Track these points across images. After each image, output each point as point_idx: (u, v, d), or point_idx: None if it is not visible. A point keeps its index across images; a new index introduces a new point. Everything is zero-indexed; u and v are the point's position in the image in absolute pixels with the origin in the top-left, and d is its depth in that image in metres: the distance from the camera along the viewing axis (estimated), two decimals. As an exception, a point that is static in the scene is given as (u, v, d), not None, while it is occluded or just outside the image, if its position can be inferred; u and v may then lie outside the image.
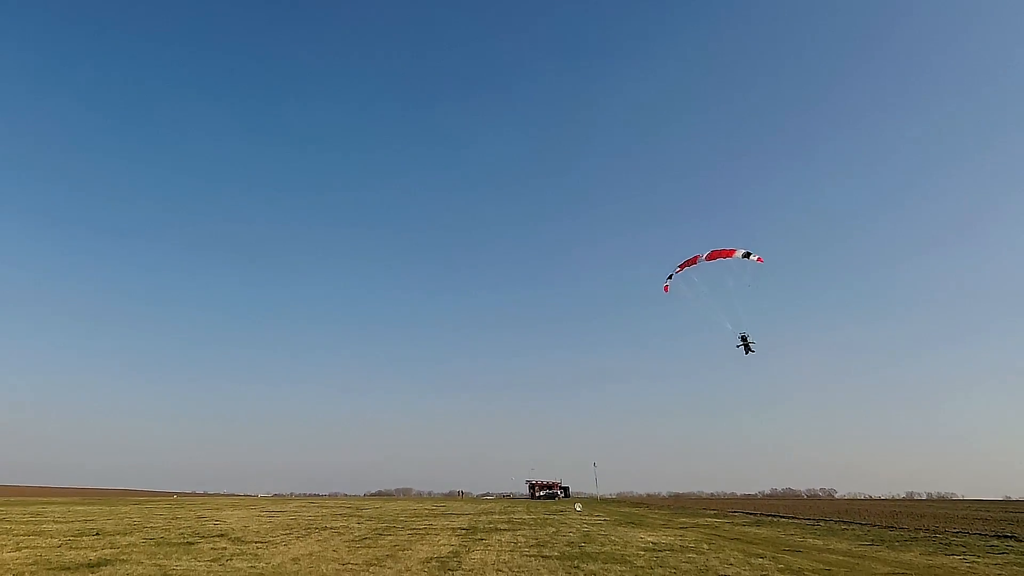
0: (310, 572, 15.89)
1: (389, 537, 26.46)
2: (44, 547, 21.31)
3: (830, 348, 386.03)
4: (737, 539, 27.60)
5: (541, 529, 32.73)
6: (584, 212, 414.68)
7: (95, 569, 16.04)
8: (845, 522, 42.03)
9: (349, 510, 56.68)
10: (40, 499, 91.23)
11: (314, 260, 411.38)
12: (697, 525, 38.37)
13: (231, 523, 35.28)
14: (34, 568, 16.12)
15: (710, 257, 29.12)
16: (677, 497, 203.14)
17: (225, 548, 21.41)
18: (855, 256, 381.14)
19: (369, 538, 26.01)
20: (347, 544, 23.38)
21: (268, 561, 17.99)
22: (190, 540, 24.21)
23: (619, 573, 16.23)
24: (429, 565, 17.54)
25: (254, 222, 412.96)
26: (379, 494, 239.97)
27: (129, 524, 33.97)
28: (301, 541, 24.34)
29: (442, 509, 62.62)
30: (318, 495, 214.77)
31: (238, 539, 24.95)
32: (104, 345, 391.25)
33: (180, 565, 17.00)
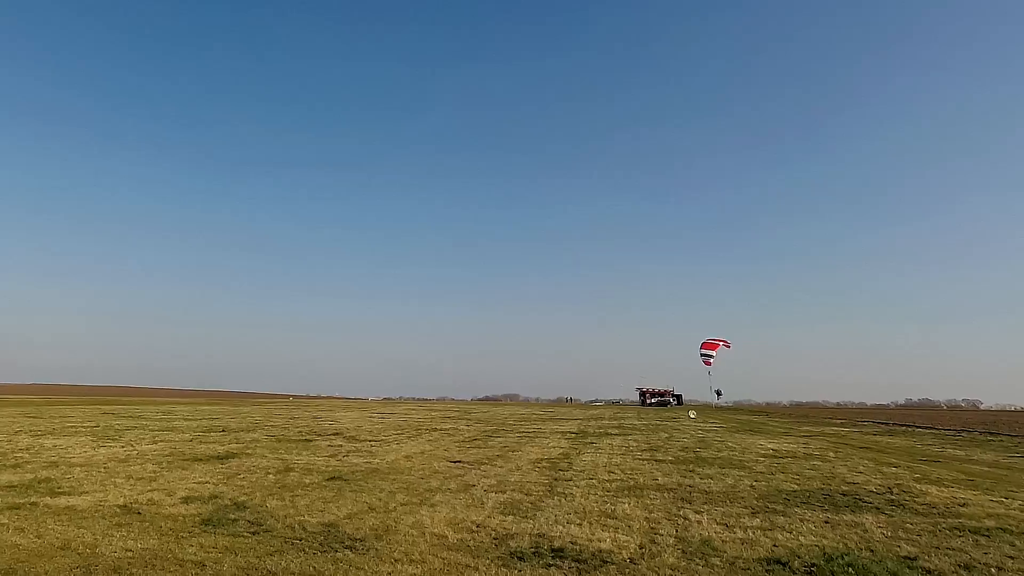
0: (423, 468, 17.15)
1: (498, 439, 27.94)
2: (177, 441, 24.23)
3: (975, 245, 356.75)
4: (867, 448, 26.97)
5: (653, 434, 33.40)
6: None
7: (224, 460, 18.09)
8: (992, 432, 39.99)
9: (457, 413, 60.19)
10: (169, 400, 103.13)
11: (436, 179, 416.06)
12: (822, 433, 37.77)
13: (344, 423, 38.50)
14: (170, 458, 18.40)
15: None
16: (799, 406, 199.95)
17: (341, 445, 23.45)
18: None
19: (478, 439, 27.59)
20: (457, 444, 24.94)
21: (382, 458, 19.55)
22: (308, 438, 26.69)
23: (737, 478, 16.37)
24: (539, 466, 18.43)
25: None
26: (486, 399, 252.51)
27: (251, 422, 37.87)
28: (412, 441, 26.21)
29: (550, 414, 65.14)
30: (426, 399, 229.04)
31: (352, 437, 27.23)
32: (239, 261, 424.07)
33: (300, 459, 18.84)
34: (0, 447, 21.03)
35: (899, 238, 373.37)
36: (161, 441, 23.91)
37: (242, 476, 15.16)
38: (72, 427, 30.77)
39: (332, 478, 15.04)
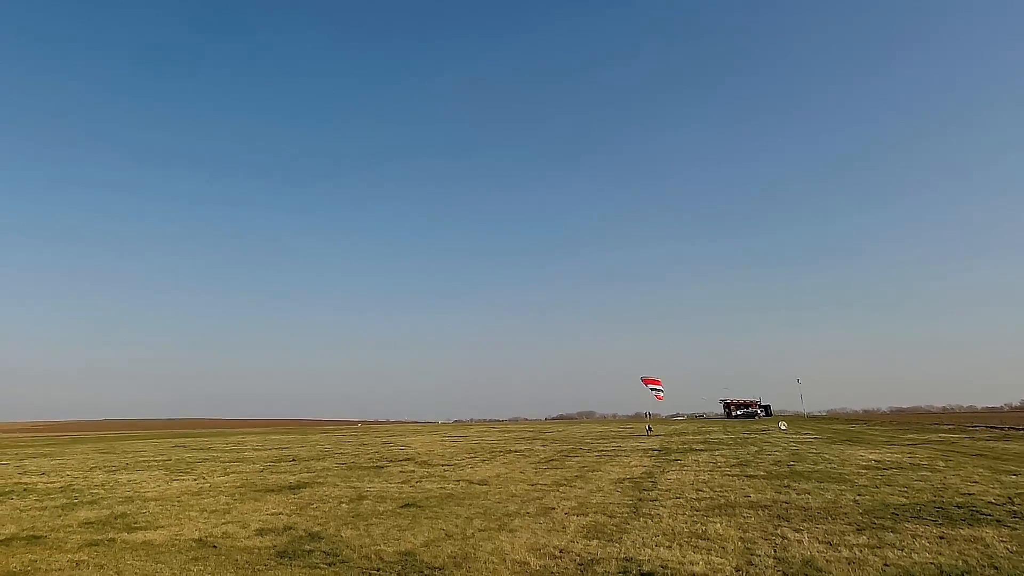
0: (499, 492, 17.15)
1: (576, 459, 27.75)
2: (248, 472, 25.01)
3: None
4: (980, 455, 25.49)
5: (742, 448, 32.52)
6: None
7: (296, 491, 18.56)
8: None
9: (531, 434, 60.18)
10: (237, 430, 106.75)
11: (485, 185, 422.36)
12: (929, 441, 35.96)
13: (416, 448, 39.01)
14: (242, 490, 18.99)
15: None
16: (900, 412, 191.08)
17: (413, 471, 23.73)
18: None
19: (555, 460, 27.46)
20: (533, 466, 24.88)
21: (456, 482, 19.63)
22: (379, 464, 27.14)
23: (837, 493, 15.72)
24: (622, 485, 18.17)
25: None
26: (560, 418, 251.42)
27: (321, 450, 38.80)
28: (487, 464, 26.30)
29: (630, 430, 64.34)
30: (498, 420, 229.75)
31: (424, 462, 27.54)
32: (303, 289, 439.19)
33: (373, 486, 19.15)
34: (76, 483, 22.18)
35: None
36: (232, 473, 24.73)
37: (315, 506, 15.51)
38: (145, 461, 32.22)
39: (406, 505, 15.21)
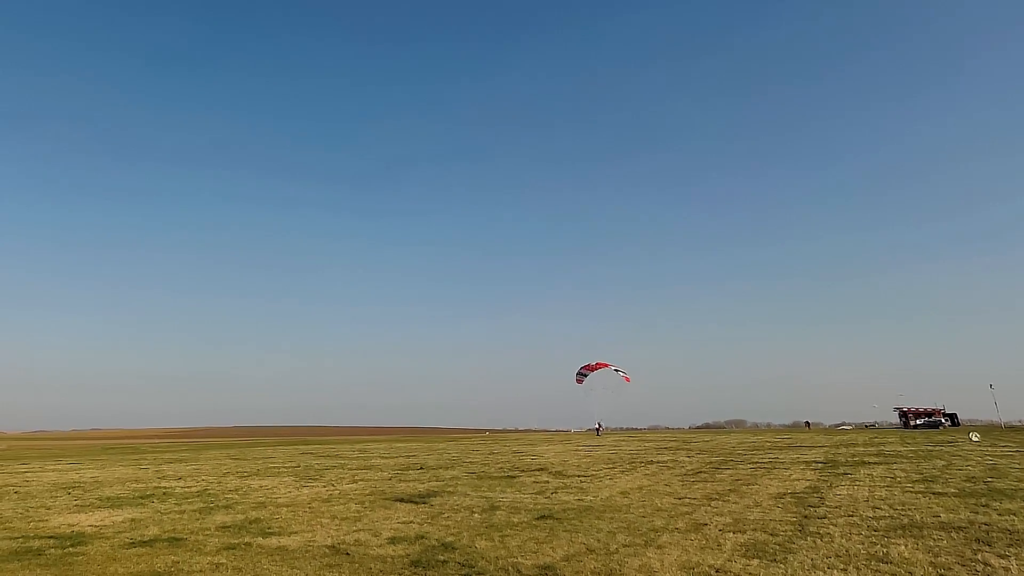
0: (643, 505, 16.99)
1: (728, 471, 26.99)
2: (377, 480, 26.13)
3: None
4: None
5: (925, 462, 30.42)
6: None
7: (426, 499, 19.20)
8: None
9: (675, 443, 59.06)
10: (362, 437, 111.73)
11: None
12: None
13: (549, 457, 39.29)
14: (372, 498, 19.88)
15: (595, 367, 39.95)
16: None
17: (547, 482, 23.93)
18: None
19: (704, 472, 26.84)
20: (679, 478, 24.44)
21: (595, 494, 19.66)
22: (511, 474, 27.56)
23: (1061, 515, 14.40)
24: (783, 501, 17.50)
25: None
26: (706, 427, 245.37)
27: (449, 459, 39.91)
28: (627, 475, 26.10)
29: (787, 441, 61.81)
30: (636, 428, 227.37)
31: (559, 473, 27.70)
32: (425, 294, 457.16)
33: (505, 497, 19.49)
34: (212, 488, 24.04)
35: None
36: (361, 480, 25.93)
37: (446, 515, 15.98)
38: (275, 468, 34.41)
39: (542, 517, 15.37)
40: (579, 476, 25.88)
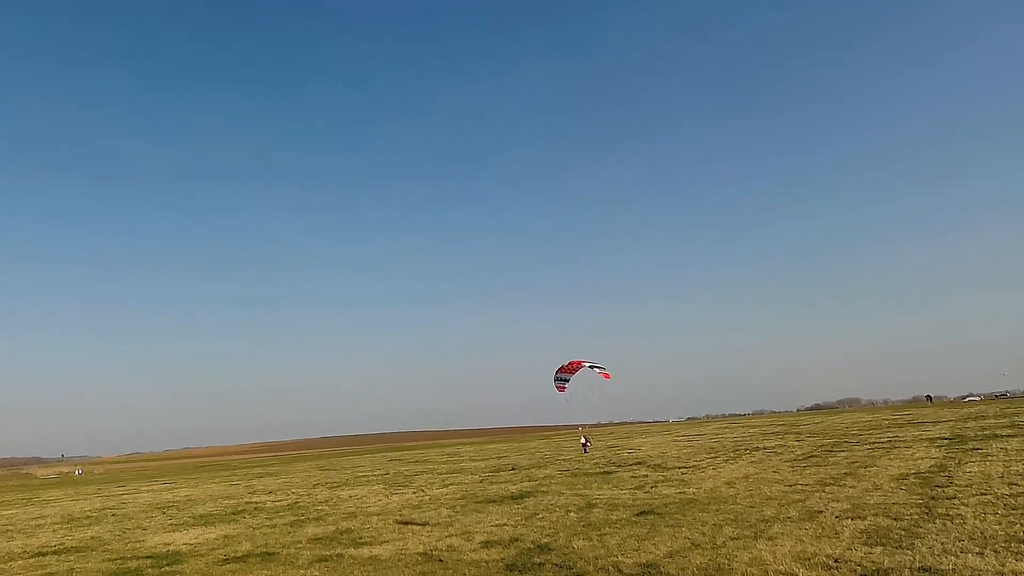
0: (750, 495, 16.59)
1: (842, 453, 26.15)
2: (468, 483, 26.40)
3: None
4: None
5: (1072, 432, 28.79)
6: None
7: (519, 500, 19.26)
8: None
9: (782, 427, 57.68)
10: (451, 440, 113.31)
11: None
12: None
13: (646, 450, 38.95)
14: (463, 502, 20.08)
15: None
16: None
17: (646, 475, 23.69)
18: None
19: (816, 456, 26.08)
20: (789, 464, 23.80)
21: (698, 486, 19.32)
22: (607, 470, 27.41)
23: None
24: (906, 482, 16.79)
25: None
26: (815, 408, 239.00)
27: (541, 458, 40.03)
28: (731, 464, 25.60)
29: (907, 417, 59.53)
30: (738, 415, 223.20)
31: (658, 466, 27.39)
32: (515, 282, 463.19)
33: (603, 493, 19.37)
34: (302, 501, 24.76)
35: None
36: (451, 484, 26.26)
37: (541, 516, 15.99)
38: (364, 476, 35.23)
39: (642, 512, 15.19)
40: (680, 468, 25.53)
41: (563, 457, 38.62)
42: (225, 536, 17.18)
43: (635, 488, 20.18)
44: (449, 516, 17.20)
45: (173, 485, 45.16)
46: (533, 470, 30.28)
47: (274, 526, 18.31)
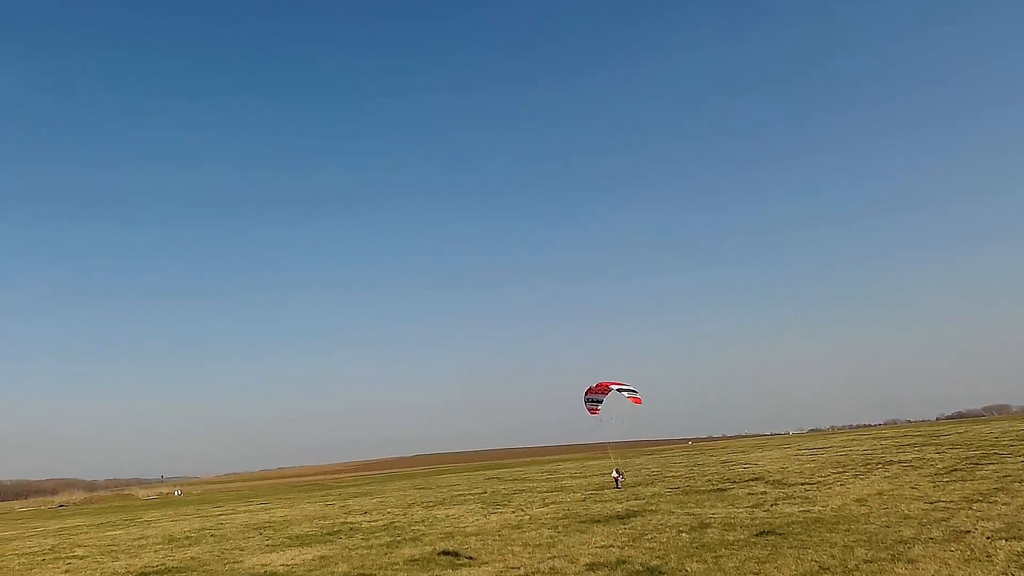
0: (885, 514, 15.89)
1: (991, 466, 24.80)
2: (569, 501, 26.28)
3: None
4: None
5: None
6: None
7: (625, 520, 19.01)
8: None
9: (920, 438, 55.21)
10: (550, 457, 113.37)
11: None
12: None
13: (764, 465, 37.92)
14: (565, 521, 19.97)
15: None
16: None
17: (765, 492, 23.04)
18: None
19: (960, 470, 24.82)
20: (929, 479, 22.72)
21: (824, 504, 18.65)
22: (721, 486, 26.81)
23: None
24: (1071, 499, 15.79)
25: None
26: (958, 416, 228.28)
27: (647, 474, 39.55)
28: (861, 480, 24.62)
29: (1068, 426, 56.13)
30: (867, 425, 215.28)
31: (778, 482, 26.60)
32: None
33: (717, 512, 18.92)
34: (398, 521, 25.17)
35: None
36: (552, 503, 26.20)
37: (649, 536, 15.73)
38: (460, 495, 35.57)
39: (762, 533, 14.76)
40: (803, 484, 24.73)
41: (672, 473, 38.05)
42: (322, 557, 17.67)
43: (753, 506, 19.65)
44: (551, 537, 17.14)
45: (269, 505, 46.72)
46: (640, 487, 29.95)
47: (370, 547, 18.68)
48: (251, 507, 46.67)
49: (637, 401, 33.47)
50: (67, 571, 20.69)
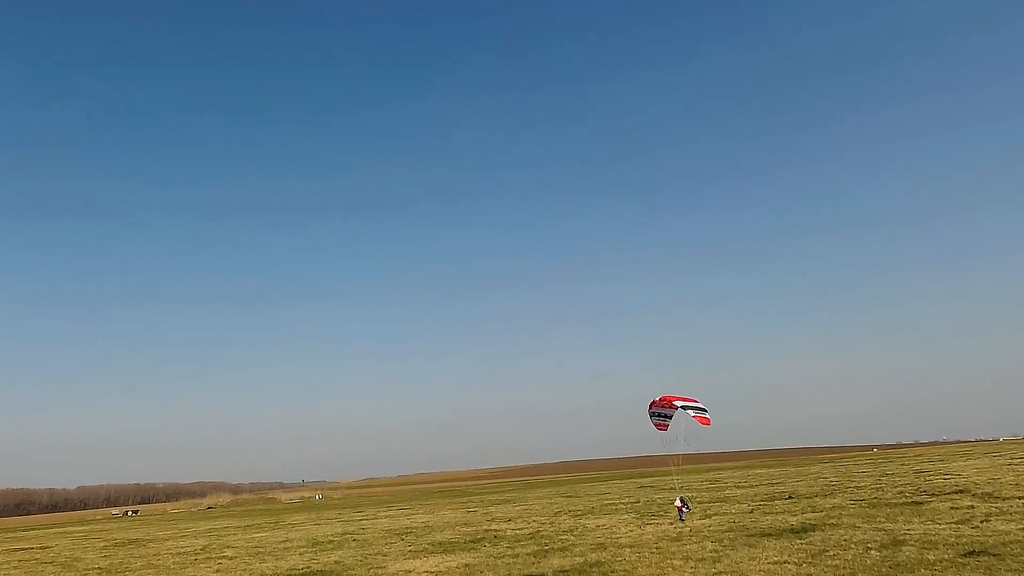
0: None
1: None
2: (735, 513, 25.13)
3: None
4: None
5: None
6: None
7: (802, 534, 17.79)
8: None
9: None
10: (711, 464, 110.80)
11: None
12: None
13: (968, 475, 35.24)
14: (731, 534, 18.92)
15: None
16: None
17: (972, 507, 21.13)
18: None
19: None
20: None
21: (1047, 521, 16.83)
22: (916, 499, 24.90)
23: None
24: None
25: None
26: None
27: (825, 484, 37.56)
28: (1090, 493, 22.29)
29: None
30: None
31: (988, 495, 24.43)
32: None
33: (913, 528, 17.37)
34: (544, 529, 24.79)
35: None
36: (715, 514, 25.13)
37: (832, 553, 14.56)
38: (611, 504, 34.88)
39: (970, 553, 13.28)
40: (1020, 498, 22.56)
41: (854, 484, 35.94)
42: (466, 565, 17.69)
43: (958, 522, 17.95)
44: (715, 551, 16.19)
45: (410, 510, 47.63)
46: (817, 499, 28.35)
47: (516, 556, 18.48)
48: (392, 512, 47.71)
49: (705, 422, 31.05)
50: (218, 571, 22.43)
